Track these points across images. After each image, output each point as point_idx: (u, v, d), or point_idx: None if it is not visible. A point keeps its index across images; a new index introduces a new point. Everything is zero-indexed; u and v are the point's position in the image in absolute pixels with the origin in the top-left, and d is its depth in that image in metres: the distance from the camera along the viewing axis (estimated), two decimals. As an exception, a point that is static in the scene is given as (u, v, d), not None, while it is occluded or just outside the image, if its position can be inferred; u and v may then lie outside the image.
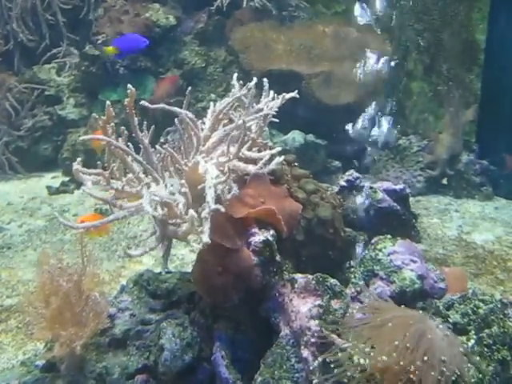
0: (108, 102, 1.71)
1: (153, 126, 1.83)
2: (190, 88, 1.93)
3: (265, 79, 1.99)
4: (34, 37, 5.13)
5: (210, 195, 1.58)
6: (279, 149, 1.86)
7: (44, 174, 4.74)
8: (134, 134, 1.72)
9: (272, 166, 1.81)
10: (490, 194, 4.24)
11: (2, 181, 4.68)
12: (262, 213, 1.79)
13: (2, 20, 5.16)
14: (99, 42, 4.83)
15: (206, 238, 1.51)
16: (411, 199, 3.07)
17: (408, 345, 1.46)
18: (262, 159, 1.79)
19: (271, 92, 2.00)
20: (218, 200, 1.62)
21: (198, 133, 1.81)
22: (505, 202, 4.20)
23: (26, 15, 5.07)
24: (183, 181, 1.62)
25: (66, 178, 4.45)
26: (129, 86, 1.68)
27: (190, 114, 1.80)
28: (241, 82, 2.05)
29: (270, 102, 1.96)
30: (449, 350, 1.48)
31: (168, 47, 4.94)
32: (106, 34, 4.86)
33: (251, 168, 1.79)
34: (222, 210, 1.58)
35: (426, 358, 1.42)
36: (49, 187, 4.35)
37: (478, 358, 1.64)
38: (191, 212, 1.54)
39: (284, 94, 2.01)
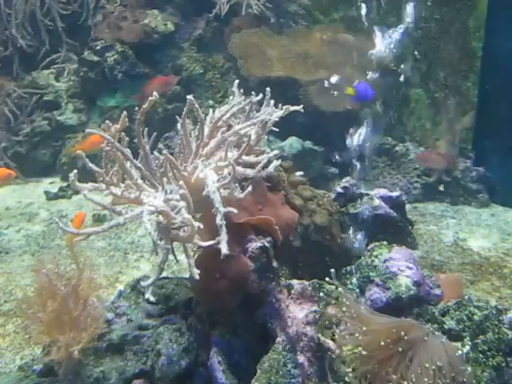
0: (125, 112, 1.72)
1: (155, 133, 1.84)
2: (191, 95, 1.95)
3: (267, 88, 1.99)
4: (32, 42, 5.14)
5: (216, 200, 1.59)
6: (276, 152, 1.87)
7: (42, 179, 4.74)
8: (135, 140, 1.73)
9: (270, 169, 1.82)
10: (487, 201, 4.26)
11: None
12: (260, 222, 1.80)
13: (1, 25, 5.17)
14: (98, 47, 4.85)
15: (224, 250, 1.54)
16: (408, 206, 3.08)
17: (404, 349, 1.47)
18: (259, 163, 1.80)
19: (272, 101, 2.00)
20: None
21: (203, 135, 1.82)
22: (501, 208, 4.22)
23: (25, 21, 5.08)
24: (181, 182, 1.63)
25: (64, 184, 4.46)
26: (154, 93, 1.71)
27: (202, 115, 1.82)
28: (241, 90, 2.07)
29: (273, 112, 1.97)
30: (445, 355, 1.50)
31: (166, 53, 4.95)
32: (104, 39, 4.87)
33: (250, 172, 1.80)
34: (235, 211, 1.60)
35: (424, 363, 1.44)
36: (47, 192, 4.36)
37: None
38: (186, 216, 1.55)
39: (288, 106, 2.02)
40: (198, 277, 1.55)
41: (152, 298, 1.62)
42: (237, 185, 1.74)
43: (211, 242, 1.56)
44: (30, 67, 5.21)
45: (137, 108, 1.72)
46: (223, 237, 1.56)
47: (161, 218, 1.61)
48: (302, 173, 2.21)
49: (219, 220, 1.57)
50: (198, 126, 1.88)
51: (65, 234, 3.56)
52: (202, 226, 1.56)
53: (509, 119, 4.28)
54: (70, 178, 1.65)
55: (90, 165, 1.70)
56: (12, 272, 3.11)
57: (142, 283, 1.64)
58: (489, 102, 4.42)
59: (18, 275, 3.07)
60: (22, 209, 4.14)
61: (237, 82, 2.07)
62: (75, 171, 1.65)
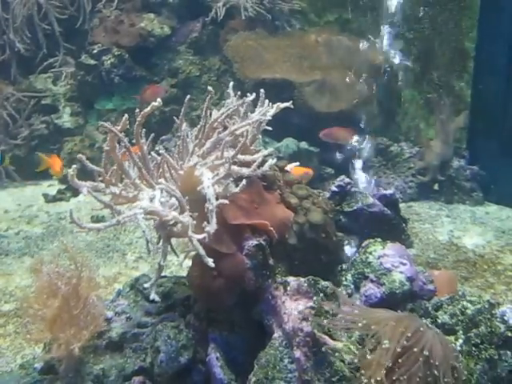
0: (126, 116, 1.74)
1: (152, 135, 1.87)
2: (188, 96, 1.98)
3: (261, 90, 2.02)
4: (30, 46, 5.16)
5: (210, 193, 1.62)
6: (272, 149, 1.91)
7: (41, 182, 4.76)
8: (133, 141, 1.76)
9: (265, 167, 1.85)
10: (481, 200, 4.30)
11: (-1, 189, 4.72)
12: (255, 225, 1.83)
13: (-1, 30, 5.21)
14: (95, 51, 4.89)
15: (212, 227, 1.57)
16: (403, 205, 3.12)
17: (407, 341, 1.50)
18: (255, 162, 1.84)
19: (266, 102, 2.03)
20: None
21: (204, 135, 1.86)
22: (495, 207, 4.26)
23: (23, 25, 5.10)
24: (162, 180, 1.66)
25: (63, 186, 4.49)
26: (158, 100, 1.75)
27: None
28: (238, 93, 2.09)
29: (266, 112, 2.00)
30: (441, 346, 1.53)
31: (163, 56, 5.00)
32: (101, 43, 4.91)
33: (245, 170, 1.83)
34: (226, 202, 1.65)
35: (425, 353, 1.47)
36: (45, 195, 4.39)
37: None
38: (173, 213, 1.59)
39: (279, 103, 2.05)
40: (212, 264, 1.58)
41: (157, 298, 1.64)
42: (232, 179, 1.77)
43: (204, 235, 1.59)
44: (27, 71, 5.23)
45: (137, 110, 1.75)
46: (212, 222, 1.58)
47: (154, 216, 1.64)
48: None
49: (211, 208, 1.60)
50: (195, 128, 1.92)
51: (64, 235, 3.61)
52: (191, 221, 1.59)
53: (502, 118, 4.32)
54: (69, 173, 1.66)
55: (91, 166, 1.73)
56: (12, 273, 3.14)
57: (145, 285, 1.67)
58: (482, 102, 4.46)
59: (17, 276, 3.09)
60: (21, 211, 4.17)
61: (232, 83, 2.10)
62: (74, 166, 1.66)
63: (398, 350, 1.48)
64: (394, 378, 1.46)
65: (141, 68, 4.92)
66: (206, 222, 1.59)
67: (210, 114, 1.92)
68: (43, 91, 5.11)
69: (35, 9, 5.08)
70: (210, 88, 1.91)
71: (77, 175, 1.69)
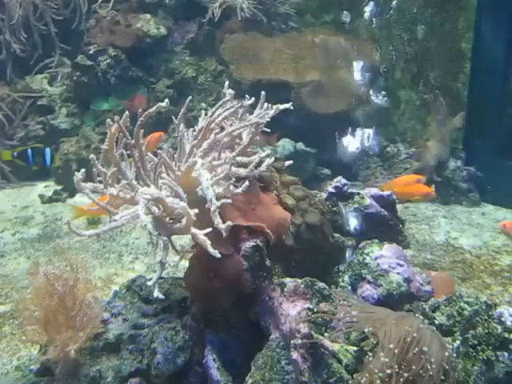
0: (127, 113, 1.74)
1: (151, 135, 1.87)
2: (190, 97, 1.98)
3: (262, 92, 2.02)
4: (26, 47, 5.15)
5: (210, 194, 1.62)
6: (269, 151, 1.90)
7: (37, 183, 4.75)
8: (133, 141, 1.76)
9: (263, 167, 1.85)
10: (477, 200, 4.31)
11: (-5, 190, 4.71)
12: (252, 226, 1.83)
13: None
14: (91, 51, 4.88)
15: (222, 225, 1.57)
16: (400, 206, 3.12)
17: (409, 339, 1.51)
18: (251, 163, 1.83)
19: (265, 104, 2.03)
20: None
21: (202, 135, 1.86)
22: (492, 207, 4.27)
23: (19, 25, 5.09)
24: (167, 177, 1.66)
25: (59, 187, 4.48)
26: (166, 100, 1.78)
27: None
28: (232, 91, 2.09)
29: (263, 112, 2.00)
30: (437, 345, 1.54)
31: (159, 57, 4.99)
32: (97, 44, 4.90)
33: (242, 171, 1.82)
34: (229, 201, 1.65)
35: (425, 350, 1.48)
36: (41, 196, 4.38)
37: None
38: (182, 204, 1.58)
39: (278, 105, 2.05)
40: (219, 255, 1.57)
41: (161, 296, 1.63)
42: (234, 179, 1.77)
43: (209, 230, 1.58)
44: (23, 72, 5.23)
45: (140, 110, 1.75)
46: (218, 220, 1.59)
47: (156, 209, 1.63)
48: (291, 162, 2.19)
49: (213, 209, 1.59)
50: (191, 129, 1.92)
51: (59, 237, 3.60)
52: (197, 211, 1.59)
53: (498, 119, 4.33)
54: (78, 176, 1.69)
55: (99, 167, 1.72)
56: (8, 275, 3.13)
57: (148, 283, 1.66)
58: (478, 103, 4.47)
59: (13, 278, 3.08)
60: (17, 212, 4.16)
61: (227, 83, 2.10)
62: (83, 170, 1.69)
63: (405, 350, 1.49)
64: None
65: (137, 69, 4.91)
66: (216, 222, 1.59)
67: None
68: (39, 92, 5.09)
69: (31, 9, 5.08)
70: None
71: (70, 176, 1.70)
